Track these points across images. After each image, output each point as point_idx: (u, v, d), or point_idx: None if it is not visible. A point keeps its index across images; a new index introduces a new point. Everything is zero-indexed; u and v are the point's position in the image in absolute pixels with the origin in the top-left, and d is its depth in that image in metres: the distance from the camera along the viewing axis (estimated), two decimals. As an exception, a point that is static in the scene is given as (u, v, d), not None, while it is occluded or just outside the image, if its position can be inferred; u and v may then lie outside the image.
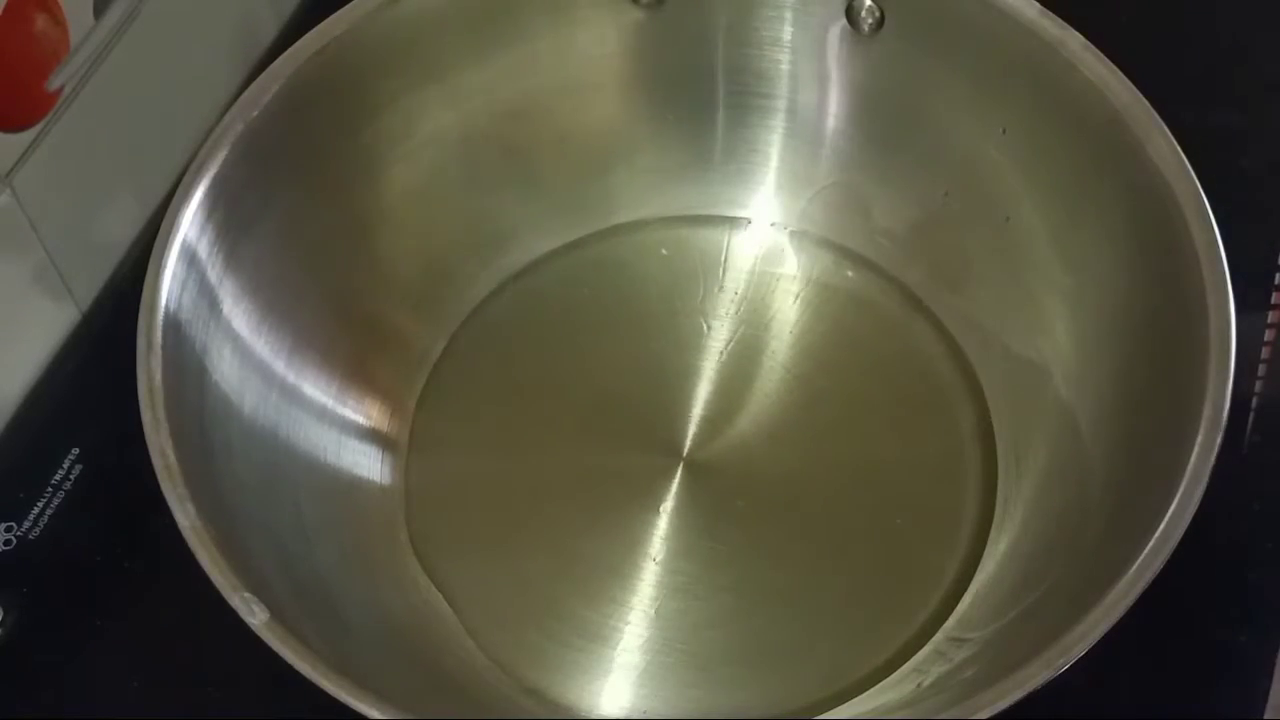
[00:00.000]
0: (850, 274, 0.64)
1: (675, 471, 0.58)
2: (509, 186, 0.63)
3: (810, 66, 0.61)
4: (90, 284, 0.64)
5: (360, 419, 0.59)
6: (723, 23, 0.61)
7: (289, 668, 0.44)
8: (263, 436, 0.54)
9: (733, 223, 0.65)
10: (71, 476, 0.59)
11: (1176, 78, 0.56)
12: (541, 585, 0.56)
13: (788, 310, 0.63)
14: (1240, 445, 0.57)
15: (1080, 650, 0.43)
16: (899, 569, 0.56)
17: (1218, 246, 0.49)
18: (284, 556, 0.51)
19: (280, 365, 0.56)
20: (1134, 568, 0.44)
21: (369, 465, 0.59)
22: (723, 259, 0.65)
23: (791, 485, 0.58)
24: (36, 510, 0.58)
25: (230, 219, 0.54)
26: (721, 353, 0.62)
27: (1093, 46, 0.53)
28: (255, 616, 0.44)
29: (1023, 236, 0.58)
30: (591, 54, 0.62)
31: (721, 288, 0.64)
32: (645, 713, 0.53)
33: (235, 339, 0.54)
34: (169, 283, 0.51)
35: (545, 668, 0.54)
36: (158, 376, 0.49)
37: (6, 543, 0.57)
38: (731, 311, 0.63)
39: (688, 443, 0.59)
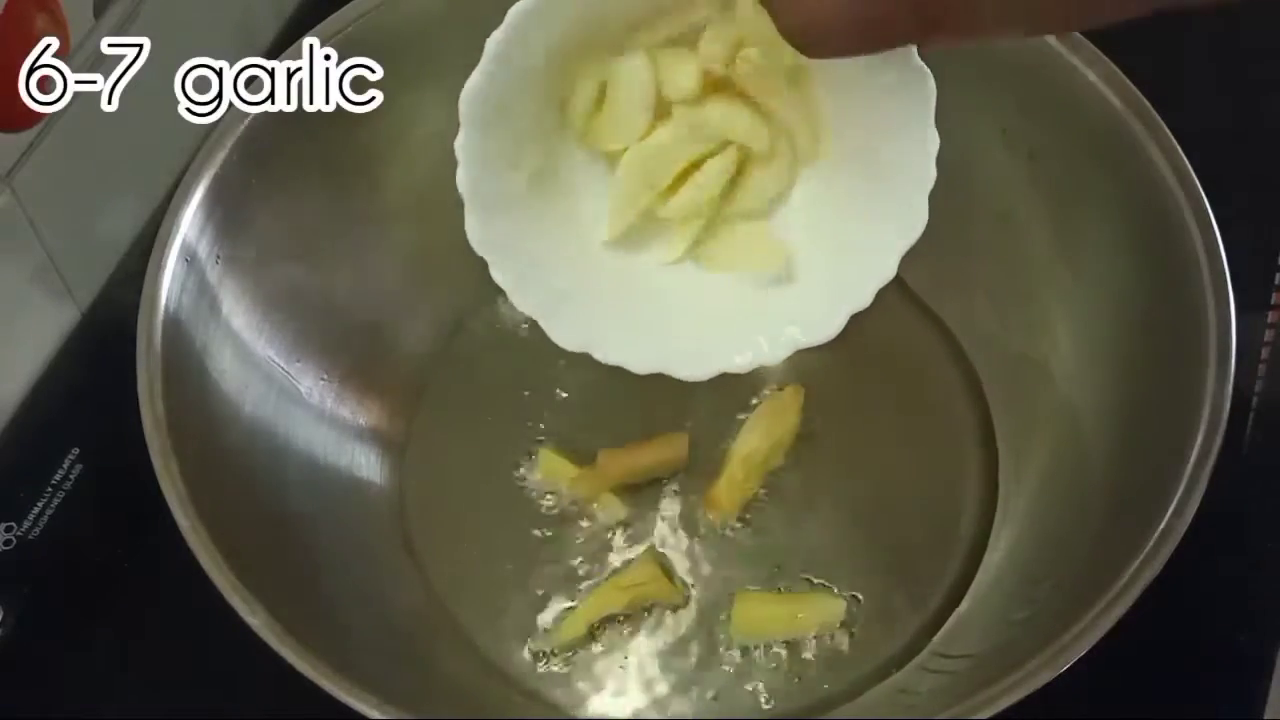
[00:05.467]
0: (850, 274, 0.63)
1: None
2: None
3: (810, 66, 0.61)
4: (90, 284, 0.64)
5: (360, 419, 0.59)
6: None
7: (289, 668, 0.44)
8: (263, 437, 0.54)
9: (733, 222, 0.65)
10: (71, 476, 0.59)
11: (1176, 78, 0.56)
12: (539, 585, 0.56)
13: (788, 310, 0.63)
14: (1240, 445, 0.57)
15: (1080, 650, 0.43)
16: (899, 570, 0.56)
17: (1218, 246, 0.49)
18: (284, 556, 0.51)
19: (280, 365, 0.56)
20: (1134, 568, 0.44)
21: (368, 465, 0.59)
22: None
23: (791, 486, 0.58)
24: (36, 510, 0.58)
25: (230, 219, 0.54)
26: (721, 353, 0.62)
27: (1093, 46, 0.53)
28: (255, 616, 0.44)
29: (1023, 236, 0.58)
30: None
31: (721, 287, 0.64)
32: (644, 713, 0.53)
33: (235, 339, 0.54)
34: (169, 283, 0.51)
35: (543, 668, 0.54)
36: (158, 376, 0.49)
37: (6, 543, 0.57)
38: (731, 311, 0.63)
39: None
